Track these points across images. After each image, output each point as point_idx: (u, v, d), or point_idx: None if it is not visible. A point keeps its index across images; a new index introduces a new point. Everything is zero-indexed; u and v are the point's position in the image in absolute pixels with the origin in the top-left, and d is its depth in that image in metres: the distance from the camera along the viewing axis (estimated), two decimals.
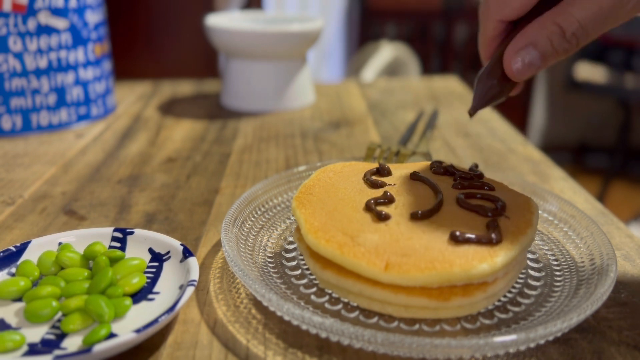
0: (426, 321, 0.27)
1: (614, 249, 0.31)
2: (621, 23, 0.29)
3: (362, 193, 0.32)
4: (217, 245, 0.35)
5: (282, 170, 0.48)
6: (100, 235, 0.33)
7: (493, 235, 0.27)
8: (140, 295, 0.29)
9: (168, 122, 0.61)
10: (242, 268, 0.28)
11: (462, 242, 0.27)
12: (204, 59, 1.17)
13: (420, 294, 0.26)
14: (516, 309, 0.28)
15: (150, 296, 0.29)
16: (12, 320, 0.27)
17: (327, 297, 0.29)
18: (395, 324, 0.27)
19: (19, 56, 0.53)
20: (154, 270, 0.31)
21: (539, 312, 0.28)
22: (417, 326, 0.27)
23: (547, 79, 2.42)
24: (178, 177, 0.46)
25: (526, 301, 0.29)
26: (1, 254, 0.31)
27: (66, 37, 0.56)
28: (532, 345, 0.24)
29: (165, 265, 0.31)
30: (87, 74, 0.59)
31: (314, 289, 0.30)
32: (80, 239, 0.33)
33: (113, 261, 0.31)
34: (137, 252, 0.33)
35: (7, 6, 0.52)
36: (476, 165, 0.36)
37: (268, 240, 0.34)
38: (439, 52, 2.20)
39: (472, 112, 0.33)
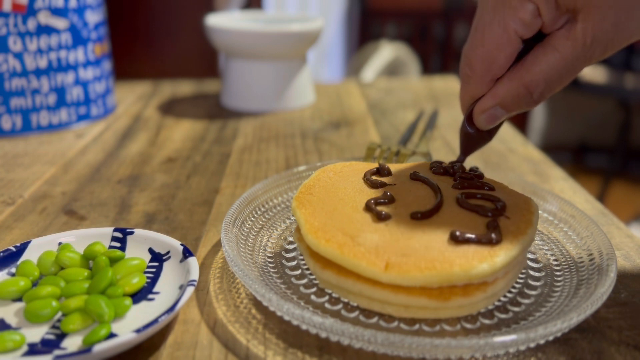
0: (426, 321, 0.27)
1: (614, 249, 0.31)
2: (580, 72, 0.30)
3: (362, 193, 0.32)
4: (217, 245, 0.35)
5: (282, 170, 0.48)
6: (100, 235, 0.33)
7: (493, 235, 0.27)
8: (140, 295, 0.29)
9: (168, 122, 0.61)
10: (242, 268, 0.28)
11: (462, 242, 0.27)
12: (204, 59, 1.17)
13: (420, 294, 0.26)
14: (516, 309, 0.28)
15: (150, 296, 0.29)
16: (12, 320, 0.27)
17: (327, 297, 0.29)
18: (395, 324, 0.27)
19: (19, 56, 0.53)
20: (154, 270, 0.31)
21: (539, 312, 0.28)
22: (417, 326, 0.27)
23: None
24: (178, 177, 0.46)
25: (526, 301, 0.29)
26: (1, 254, 0.31)
27: (66, 37, 0.56)
28: (532, 345, 0.24)
29: (165, 265, 0.31)
30: (87, 74, 0.59)
31: (314, 289, 0.30)
32: (80, 239, 0.33)
33: (113, 261, 0.31)
34: (137, 252, 0.33)
35: (7, 6, 0.52)
36: (476, 168, 0.36)
37: (268, 240, 0.34)
38: (439, 52, 2.20)
39: (462, 159, 0.36)
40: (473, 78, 0.32)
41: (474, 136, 0.35)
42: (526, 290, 0.30)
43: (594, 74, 1.98)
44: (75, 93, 0.58)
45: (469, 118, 0.34)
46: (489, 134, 0.35)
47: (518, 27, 0.29)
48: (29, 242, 0.32)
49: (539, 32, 0.30)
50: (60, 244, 0.33)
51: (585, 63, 0.29)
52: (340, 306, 0.28)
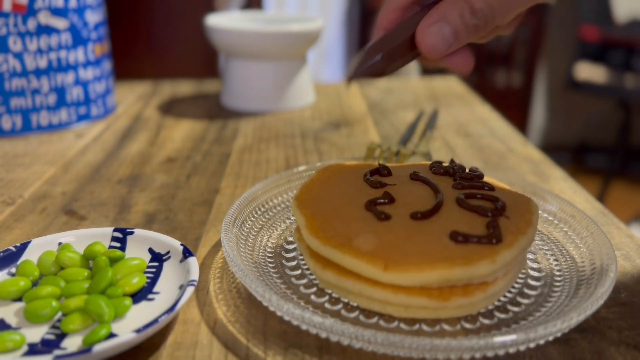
0: (426, 321, 0.27)
1: (614, 249, 0.31)
2: (528, 7, 0.29)
3: (362, 193, 0.32)
4: (217, 245, 0.35)
5: (282, 170, 0.48)
6: (100, 235, 0.33)
7: (493, 235, 0.27)
8: (140, 295, 0.29)
9: (168, 122, 0.61)
10: (242, 268, 0.28)
11: (462, 242, 0.27)
12: (204, 59, 1.17)
13: (420, 294, 0.26)
14: (516, 309, 0.28)
15: (150, 296, 0.29)
16: (12, 320, 0.27)
17: (327, 297, 0.29)
18: (395, 324, 0.27)
19: (19, 56, 0.53)
20: (154, 270, 0.31)
21: (538, 312, 0.28)
22: (417, 326, 0.27)
23: (547, 79, 2.42)
24: (178, 177, 0.46)
25: (526, 301, 0.29)
26: (1, 254, 0.31)
27: (66, 37, 0.56)
28: (532, 345, 0.24)
29: (165, 265, 0.31)
30: (87, 74, 0.59)
31: (314, 289, 0.30)
32: (80, 239, 0.33)
33: (113, 261, 0.31)
34: (137, 252, 0.33)
35: (7, 6, 0.52)
36: (476, 168, 0.36)
37: (268, 240, 0.34)
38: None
39: (350, 79, 0.32)
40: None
41: (378, 63, 0.31)
42: (526, 290, 0.30)
43: (594, 74, 1.98)
44: (75, 93, 0.58)
45: (384, 41, 0.31)
46: (393, 67, 0.32)
47: None
48: (29, 242, 0.32)
49: None
50: (60, 244, 0.33)
51: None
52: (340, 306, 0.28)
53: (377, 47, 0.31)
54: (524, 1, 0.29)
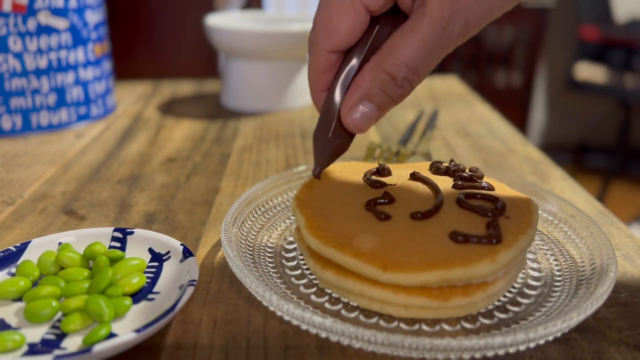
0: (426, 321, 0.27)
1: (614, 249, 0.31)
2: (450, 52, 0.28)
3: (362, 193, 0.32)
4: (217, 245, 0.35)
5: (282, 170, 0.48)
6: (100, 235, 0.33)
7: (493, 235, 0.27)
8: (140, 295, 0.29)
9: (168, 122, 0.61)
10: (242, 268, 0.28)
11: (462, 242, 0.27)
12: (204, 59, 1.17)
13: (420, 294, 0.26)
14: (516, 309, 0.28)
15: (150, 296, 0.29)
16: (12, 320, 0.27)
17: (327, 297, 0.29)
18: (395, 324, 0.27)
19: (19, 56, 0.53)
20: (154, 270, 0.31)
21: (538, 312, 0.28)
22: (417, 326, 0.27)
23: (547, 79, 2.42)
24: (178, 177, 0.46)
25: (526, 301, 0.29)
26: (1, 254, 0.31)
27: (66, 37, 0.56)
28: (532, 345, 0.24)
29: (165, 265, 0.31)
30: (87, 74, 0.59)
31: (314, 289, 0.30)
32: (80, 239, 0.33)
33: (113, 261, 0.31)
34: (137, 252, 0.33)
35: (7, 6, 0.52)
36: (476, 169, 0.36)
37: (268, 240, 0.34)
38: (460, 45, 2.20)
39: (317, 173, 0.32)
40: (315, 46, 0.29)
41: (330, 142, 0.30)
42: (526, 290, 0.30)
43: (594, 74, 1.98)
44: (75, 93, 0.58)
45: (325, 121, 0.30)
46: (347, 138, 0.31)
47: None
48: (29, 242, 0.32)
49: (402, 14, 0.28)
50: (60, 244, 0.33)
51: (447, 42, 0.27)
52: (340, 306, 0.28)
53: (321, 132, 0.30)
54: (446, 49, 0.28)
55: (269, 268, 0.31)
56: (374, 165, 0.36)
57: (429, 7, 0.26)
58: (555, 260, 0.32)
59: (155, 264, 0.31)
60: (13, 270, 0.31)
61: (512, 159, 0.50)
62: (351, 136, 0.31)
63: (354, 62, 0.29)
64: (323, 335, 0.25)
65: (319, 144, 0.31)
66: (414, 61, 0.27)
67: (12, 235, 0.37)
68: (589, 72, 1.99)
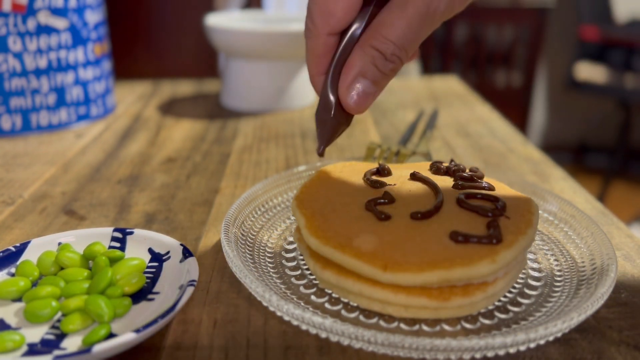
0: (426, 321, 0.27)
1: (614, 249, 0.31)
2: (435, 28, 0.28)
3: (362, 193, 0.32)
4: (217, 245, 0.35)
5: (282, 170, 0.48)
6: (100, 235, 0.33)
7: (493, 235, 0.27)
8: (140, 295, 0.29)
9: (168, 122, 0.61)
10: (242, 268, 0.28)
11: (463, 242, 0.27)
12: (204, 59, 1.17)
13: (420, 294, 0.26)
14: (516, 309, 0.28)
15: (150, 296, 0.29)
16: (12, 320, 0.27)
17: (327, 297, 0.29)
18: (395, 324, 0.27)
19: (18, 56, 0.53)
20: (153, 270, 0.31)
21: (539, 312, 0.28)
22: (417, 326, 0.27)
23: (547, 79, 2.42)
24: (178, 177, 0.46)
25: (526, 301, 0.29)
26: (1, 254, 0.31)
27: (66, 37, 0.56)
28: (532, 345, 0.24)
29: (165, 265, 0.31)
30: (87, 73, 0.59)
31: (314, 289, 0.30)
32: (80, 239, 0.33)
33: (113, 261, 0.31)
34: (136, 252, 0.32)
35: (7, 6, 0.52)
36: (476, 169, 0.36)
37: (268, 240, 0.34)
38: (439, 52, 2.20)
39: (321, 151, 0.32)
40: (313, 32, 0.30)
41: (332, 121, 0.31)
42: (526, 291, 0.30)
43: (594, 74, 1.98)
44: (75, 93, 0.58)
45: (326, 100, 0.31)
46: (348, 116, 0.32)
47: None
48: (28, 242, 0.32)
49: None
50: (60, 244, 0.33)
51: (432, 18, 0.27)
52: (340, 306, 0.28)
53: (323, 109, 0.31)
54: (431, 26, 0.28)
55: (268, 268, 0.31)
56: (374, 165, 0.36)
57: None
58: (555, 260, 0.32)
59: (155, 264, 0.31)
60: (13, 270, 0.31)
61: (512, 159, 0.50)
62: (351, 116, 0.32)
63: (349, 42, 0.30)
64: (323, 335, 0.25)
65: (321, 123, 0.31)
66: (400, 39, 0.28)
67: (12, 235, 0.37)
68: (589, 72, 1.99)
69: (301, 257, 0.33)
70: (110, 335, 0.26)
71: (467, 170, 0.35)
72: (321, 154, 0.32)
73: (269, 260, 0.32)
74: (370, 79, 0.29)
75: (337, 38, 0.30)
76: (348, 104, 0.30)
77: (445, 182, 0.33)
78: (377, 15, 0.29)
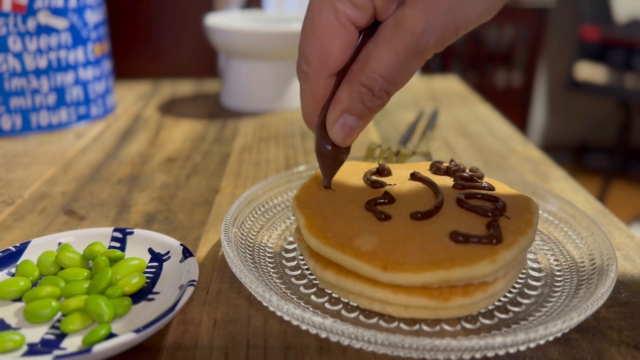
0: (426, 321, 0.27)
1: (614, 249, 0.31)
2: (425, 61, 0.27)
3: (362, 193, 0.32)
4: (217, 245, 0.35)
5: (282, 170, 0.48)
6: (100, 235, 0.33)
7: (493, 235, 0.27)
8: (140, 295, 0.29)
9: (168, 122, 0.61)
10: (242, 268, 0.28)
11: (463, 242, 0.27)
12: (204, 59, 1.17)
13: (420, 294, 0.26)
14: (516, 309, 0.28)
15: (150, 296, 0.29)
16: (12, 320, 0.27)
17: (327, 298, 0.29)
18: (395, 324, 0.27)
19: (18, 56, 0.53)
20: (153, 270, 0.31)
21: (539, 312, 0.28)
22: (417, 326, 0.27)
23: (547, 79, 2.42)
24: (178, 177, 0.46)
25: (526, 301, 0.29)
26: (1, 254, 0.31)
27: (66, 37, 0.56)
28: (532, 345, 0.24)
29: (165, 265, 0.31)
30: (87, 73, 0.59)
31: (314, 289, 0.30)
32: (80, 239, 0.33)
33: (113, 261, 0.31)
34: (136, 252, 0.32)
35: (7, 6, 0.52)
36: (476, 169, 0.36)
37: (268, 240, 0.34)
38: (439, 52, 2.20)
39: (327, 184, 0.32)
40: (310, 75, 0.28)
41: (332, 153, 0.31)
42: (526, 291, 0.30)
43: (594, 74, 1.98)
44: (75, 93, 0.58)
45: (323, 135, 0.30)
46: (347, 147, 0.31)
47: (349, 11, 0.26)
48: (28, 242, 0.32)
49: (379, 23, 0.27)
50: (60, 244, 0.33)
51: (423, 52, 0.26)
52: (340, 306, 0.28)
53: (320, 147, 0.31)
54: (420, 62, 0.27)
55: (268, 268, 0.31)
56: (374, 165, 0.36)
57: (402, 19, 0.25)
58: (555, 260, 0.32)
59: (155, 264, 0.31)
60: (13, 270, 0.31)
61: (512, 159, 0.50)
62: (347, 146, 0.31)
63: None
64: (323, 335, 0.25)
65: (321, 157, 0.31)
66: (388, 73, 0.27)
67: (12, 235, 0.37)
68: (589, 72, 1.99)
69: (301, 257, 0.33)
70: (110, 335, 0.26)
71: (467, 170, 0.35)
72: (327, 186, 0.32)
73: (269, 260, 0.32)
74: (356, 115, 0.28)
75: (336, 77, 0.29)
76: (335, 139, 0.29)
77: (445, 182, 0.33)
78: (365, 45, 0.27)
